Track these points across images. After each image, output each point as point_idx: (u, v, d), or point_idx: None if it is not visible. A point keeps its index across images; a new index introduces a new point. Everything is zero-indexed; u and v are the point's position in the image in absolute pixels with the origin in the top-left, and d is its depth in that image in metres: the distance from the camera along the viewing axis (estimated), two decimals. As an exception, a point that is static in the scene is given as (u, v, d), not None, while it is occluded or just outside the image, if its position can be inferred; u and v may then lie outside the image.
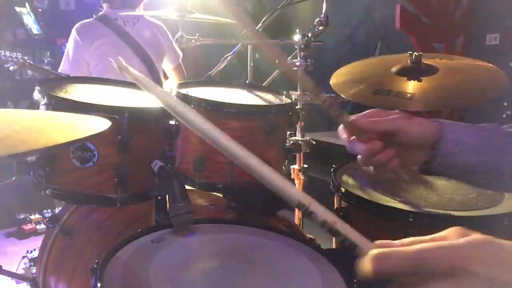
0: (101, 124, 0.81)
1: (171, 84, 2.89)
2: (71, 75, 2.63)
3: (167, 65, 2.93)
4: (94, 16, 2.80)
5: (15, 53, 2.96)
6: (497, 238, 0.59)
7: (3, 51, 2.99)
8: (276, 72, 2.09)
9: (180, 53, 2.92)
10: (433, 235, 0.61)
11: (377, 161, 0.92)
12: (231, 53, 2.22)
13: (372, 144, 0.91)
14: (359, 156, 0.95)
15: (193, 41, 2.08)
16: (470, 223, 1.29)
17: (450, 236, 0.61)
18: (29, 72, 3.29)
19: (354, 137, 0.94)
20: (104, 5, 2.81)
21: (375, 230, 1.39)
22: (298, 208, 0.65)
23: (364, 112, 0.94)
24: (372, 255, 0.59)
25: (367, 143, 0.91)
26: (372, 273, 0.58)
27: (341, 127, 0.96)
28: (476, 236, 0.59)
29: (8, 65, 2.96)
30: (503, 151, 0.87)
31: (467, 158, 0.88)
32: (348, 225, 0.64)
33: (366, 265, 0.59)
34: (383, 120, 0.91)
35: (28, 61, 2.98)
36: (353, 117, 0.94)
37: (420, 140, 0.90)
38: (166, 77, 3.01)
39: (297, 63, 1.91)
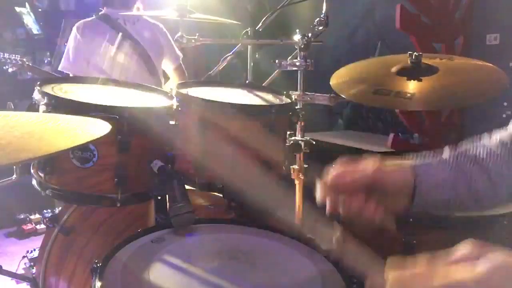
0: (101, 127, 0.80)
1: (172, 85, 2.88)
2: (71, 74, 2.63)
3: (167, 66, 2.93)
4: (94, 15, 2.80)
5: (13, 55, 2.95)
6: None
7: (1, 53, 2.98)
8: (276, 72, 2.09)
9: (180, 54, 2.92)
10: (449, 253, 0.58)
11: (363, 218, 0.89)
12: (231, 53, 2.22)
13: (356, 201, 0.87)
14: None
15: (193, 41, 2.08)
16: (470, 223, 1.29)
17: (466, 254, 0.58)
18: (29, 72, 3.29)
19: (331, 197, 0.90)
20: (104, 8, 2.81)
21: (375, 230, 1.38)
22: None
23: (332, 171, 0.90)
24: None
25: (348, 202, 0.88)
26: None
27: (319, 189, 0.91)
28: (497, 257, 0.56)
29: (6, 66, 2.95)
30: (469, 176, 0.87)
31: (444, 195, 0.88)
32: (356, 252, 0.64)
33: None
34: (360, 178, 0.87)
35: (26, 62, 2.97)
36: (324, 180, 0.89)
37: (399, 188, 0.88)
38: (166, 77, 3.00)
39: (297, 63, 1.90)
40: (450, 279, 0.55)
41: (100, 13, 2.78)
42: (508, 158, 0.87)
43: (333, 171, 0.89)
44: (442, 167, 0.89)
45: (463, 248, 0.58)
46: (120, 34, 2.71)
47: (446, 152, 0.91)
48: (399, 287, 0.57)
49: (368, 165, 0.89)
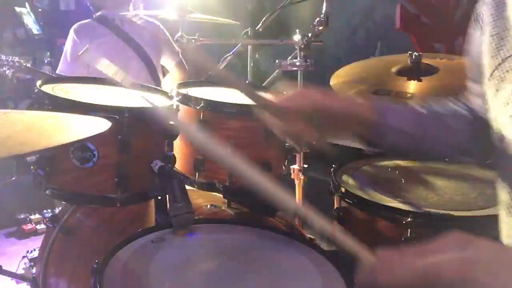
0: (101, 124, 0.81)
1: (171, 81, 2.88)
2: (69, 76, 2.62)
3: (168, 62, 2.93)
4: (93, 16, 2.80)
5: (11, 57, 2.94)
6: (500, 243, 0.60)
7: None
8: (276, 72, 2.09)
9: (179, 49, 2.92)
10: (435, 243, 0.60)
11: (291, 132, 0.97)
12: (231, 53, 2.22)
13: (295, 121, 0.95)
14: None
15: (193, 41, 2.08)
16: (470, 223, 1.29)
17: (451, 243, 0.60)
18: (27, 75, 3.28)
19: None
20: (93, 7, 2.81)
21: (375, 230, 1.39)
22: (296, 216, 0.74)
23: (288, 95, 0.99)
24: (377, 267, 0.60)
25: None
26: (375, 285, 0.59)
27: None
28: (480, 243, 0.58)
29: (4, 68, 2.93)
30: (432, 133, 0.96)
31: (401, 142, 0.96)
32: (347, 236, 0.65)
33: (369, 276, 0.60)
34: (306, 102, 0.95)
35: (24, 64, 2.96)
36: (274, 98, 0.99)
37: (346, 115, 0.95)
38: (164, 75, 3.00)
39: (297, 63, 1.91)
40: (435, 259, 0.57)
41: (96, 15, 2.78)
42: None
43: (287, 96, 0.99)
44: (408, 117, 0.97)
45: (447, 237, 0.61)
46: (118, 35, 2.71)
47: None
48: (384, 265, 0.60)
49: (317, 92, 0.97)
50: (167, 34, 2.87)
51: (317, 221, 0.67)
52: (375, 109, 0.94)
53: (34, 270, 1.82)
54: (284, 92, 1.01)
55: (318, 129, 0.95)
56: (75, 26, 2.72)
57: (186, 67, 2.97)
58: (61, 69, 2.71)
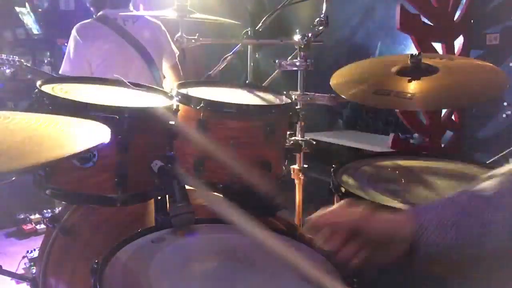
0: (101, 131, 0.80)
1: (169, 83, 2.88)
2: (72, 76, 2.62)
3: (164, 64, 2.93)
4: (94, 16, 2.80)
5: (11, 56, 2.93)
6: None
7: None
8: (276, 72, 2.09)
9: (177, 51, 2.92)
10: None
11: (342, 257, 0.93)
12: (231, 53, 2.22)
13: (333, 241, 0.93)
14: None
15: (193, 41, 2.08)
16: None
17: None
18: (28, 74, 3.29)
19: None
20: (93, 8, 2.81)
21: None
22: None
23: (327, 211, 0.98)
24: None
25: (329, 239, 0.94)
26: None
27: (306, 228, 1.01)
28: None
29: (3, 68, 2.94)
30: (475, 216, 0.85)
31: (449, 237, 0.85)
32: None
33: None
34: (342, 223, 0.93)
35: (24, 63, 2.96)
36: (313, 217, 0.98)
37: (385, 237, 0.89)
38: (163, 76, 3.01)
39: (297, 63, 1.91)
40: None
41: (98, 14, 2.78)
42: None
43: (321, 212, 0.98)
44: (447, 207, 0.88)
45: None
46: (120, 34, 2.71)
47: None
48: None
49: (356, 211, 0.94)
50: (167, 35, 2.87)
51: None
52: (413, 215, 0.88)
53: (34, 270, 1.82)
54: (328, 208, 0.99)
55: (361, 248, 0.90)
56: (77, 26, 2.72)
57: (180, 71, 2.97)
58: (64, 70, 2.71)
